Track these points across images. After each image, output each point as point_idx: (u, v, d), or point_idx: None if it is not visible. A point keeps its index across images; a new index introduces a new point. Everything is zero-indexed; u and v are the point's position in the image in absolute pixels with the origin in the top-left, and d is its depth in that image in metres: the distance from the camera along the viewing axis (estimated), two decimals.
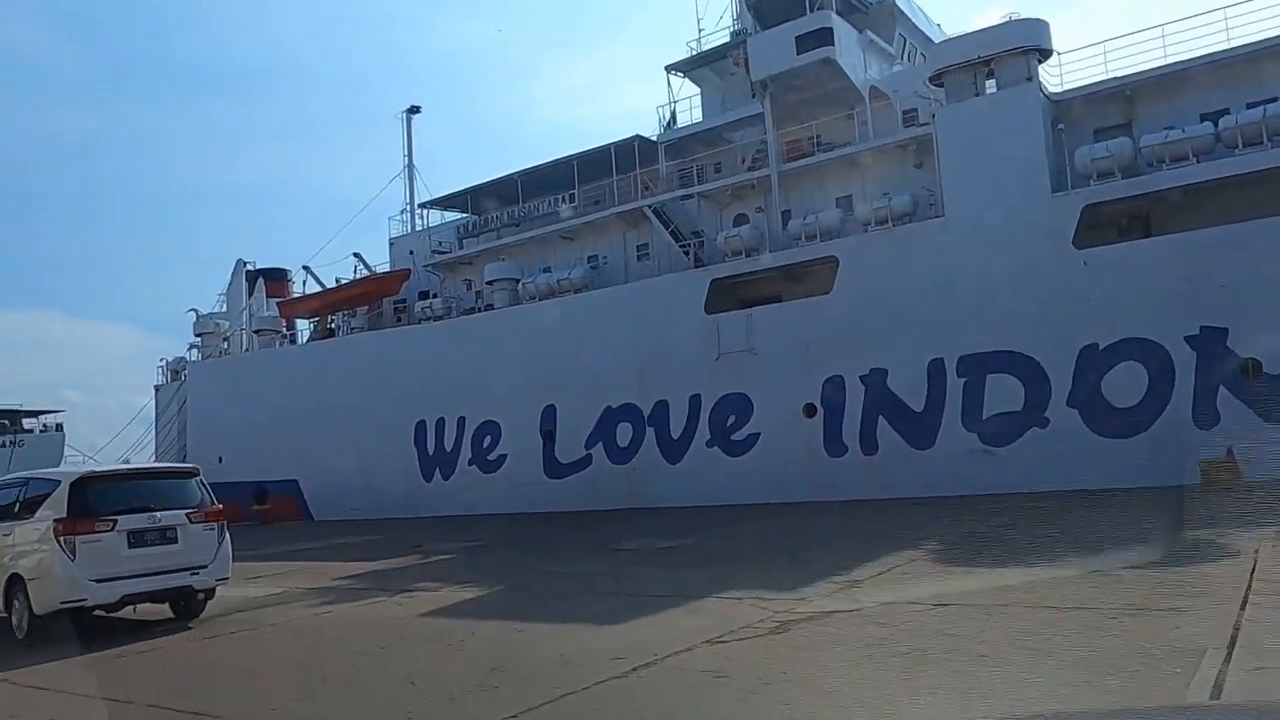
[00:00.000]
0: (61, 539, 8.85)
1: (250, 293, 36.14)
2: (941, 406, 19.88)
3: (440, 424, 27.46)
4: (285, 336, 34.49)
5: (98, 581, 8.90)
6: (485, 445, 26.59)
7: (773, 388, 21.85)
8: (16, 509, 9.85)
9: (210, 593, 10.01)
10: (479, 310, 28.52)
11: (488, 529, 19.32)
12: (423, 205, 31.57)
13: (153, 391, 40.45)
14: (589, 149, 26.83)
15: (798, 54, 22.53)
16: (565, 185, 27.42)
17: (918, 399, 20.14)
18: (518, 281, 27.31)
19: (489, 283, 27.81)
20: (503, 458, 26.22)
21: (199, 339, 36.02)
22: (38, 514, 9.38)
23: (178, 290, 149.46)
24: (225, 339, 35.49)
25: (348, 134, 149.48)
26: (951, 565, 10.44)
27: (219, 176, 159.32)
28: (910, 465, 19.90)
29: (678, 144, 26.28)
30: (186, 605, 9.97)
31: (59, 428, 62.98)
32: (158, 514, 9.39)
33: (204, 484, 10.32)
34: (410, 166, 35.74)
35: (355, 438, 28.67)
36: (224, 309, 36.99)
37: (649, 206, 25.28)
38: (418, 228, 33.65)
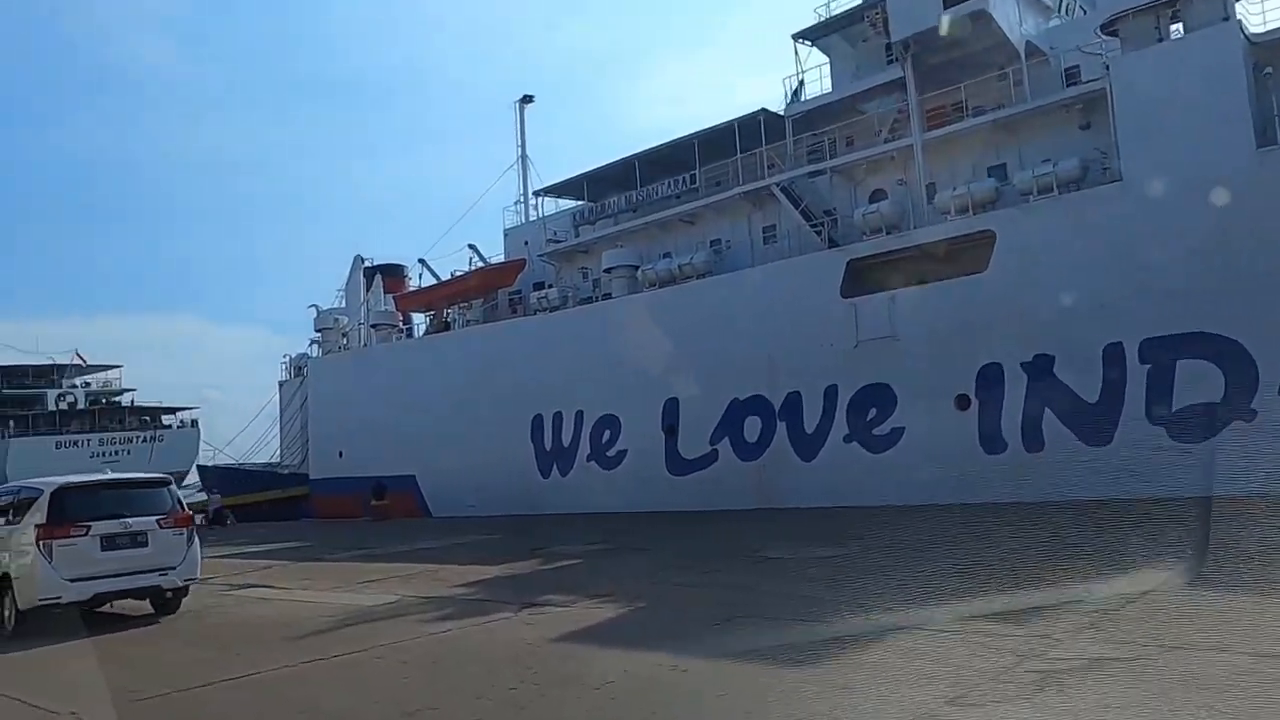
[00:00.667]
0: (40, 543, 9.83)
1: (368, 288, 36.17)
2: (1120, 397, 17.45)
3: (558, 418, 26.45)
4: (401, 330, 34.29)
5: (72, 581, 9.84)
6: (604, 440, 25.41)
7: (919, 377, 19.79)
8: (11, 515, 10.76)
9: (183, 590, 10.80)
10: (596, 300, 27.37)
11: (610, 529, 17.97)
12: (537, 193, 30.72)
13: (277, 387, 41.16)
14: (711, 126, 25.29)
15: (945, 8, 20.35)
16: (686, 166, 25.96)
17: (1091, 389, 17.76)
18: (636, 268, 26.02)
19: (606, 271, 26.62)
20: (623, 453, 24.98)
21: (319, 334, 36.29)
22: (24, 520, 10.33)
23: (303, 293, 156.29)
24: (344, 334, 35.60)
25: (465, 138, 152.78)
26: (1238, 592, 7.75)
27: (343, 183, 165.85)
28: (1083, 464, 17.55)
29: (806, 117, 24.41)
30: (162, 603, 10.84)
31: (194, 424, 65.61)
32: (129, 520, 10.28)
33: (174, 493, 11.24)
34: (523, 157, 35.05)
35: (471, 432, 28.00)
36: (343, 305, 37.18)
37: (776, 185, 23.54)
38: (532, 218, 32.85)
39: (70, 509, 10.19)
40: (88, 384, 65.89)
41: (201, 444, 63.95)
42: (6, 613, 10.25)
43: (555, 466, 26.52)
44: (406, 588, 11.30)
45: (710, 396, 22.97)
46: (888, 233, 21.19)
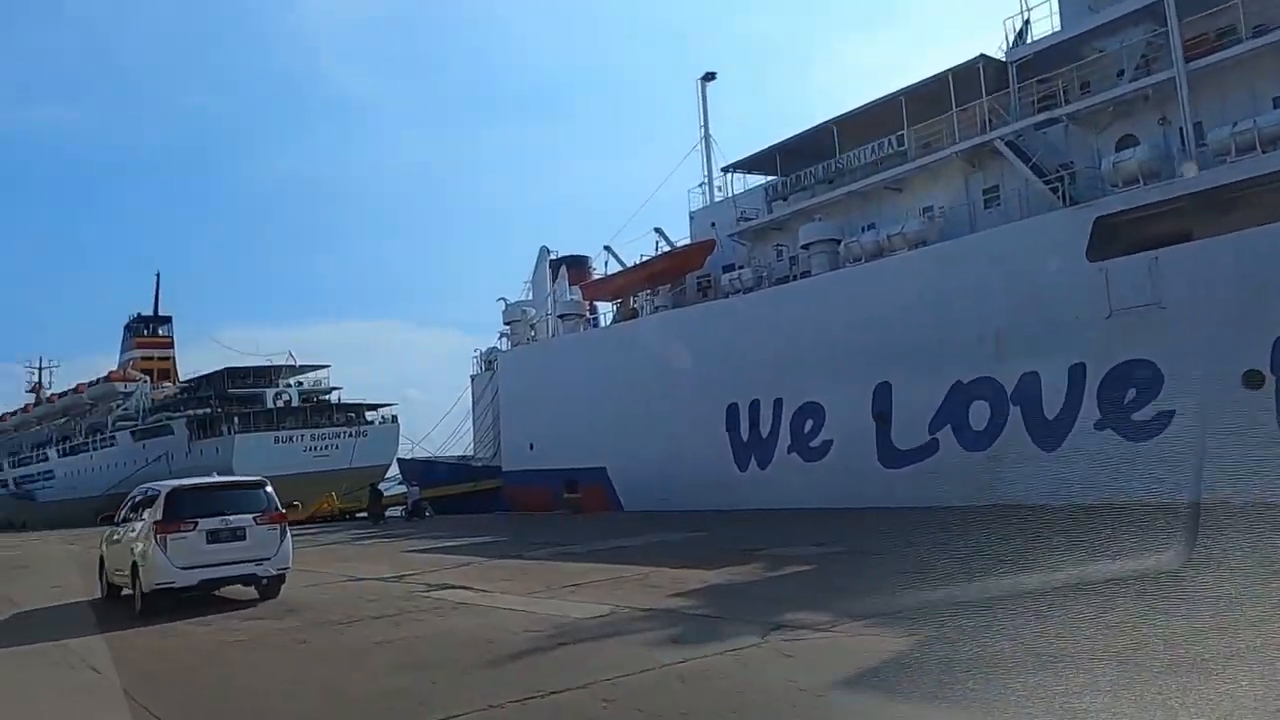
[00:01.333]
0: (157, 536, 11.23)
1: (554, 279, 35.87)
2: None
3: (754, 407, 24.74)
4: (588, 320, 33.68)
5: (183, 569, 11.19)
6: (807, 430, 23.46)
7: (1192, 351, 16.64)
8: (140, 512, 12.28)
9: (280, 578, 11.94)
10: (794, 279, 25.45)
11: (825, 527, 15.96)
12: (725, 169, 29.10)
13: (468, 382, 41.78)
14: (920, 80, 22.77)
15: None
16: (890, 127, 23.55)
17: None
18: (838, 242, 23.90)
19: (804, 247, 24.65)
20: (827, 444, 22.94)
21: (507, 327, 36.34)
22: (146, 517, 11.82)
23: (493, 295, 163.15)
24: (531, 326, 35.45)
25: (647, 131, 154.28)
26: None
27: (532, 189, 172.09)
28: None
29: (1033, 61, 21.42)
30: (263, 588, 11.96)
31: (394, 419, 68.74)
32: (230, 517, 11.58)
33: (269, 493, 12.29)
34: (706, 136, 33.46)
35: (662, 423, 26.81)
36: (530, 297, 37.10)
37: (1001, 139, 20.78)
38: (717, 199, 31.29)
39: (182, 508, 11.67)
40: (300, 383, 70.41)
41: (401, 439, 67.16)
42: (135, 594, 11.82)
43: (753, 458, 24.84)
44: (617, 595, 9.90)
45: (928, 379, 20.56)
46: (1145, 183, 18.06)
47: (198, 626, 9.45)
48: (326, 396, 69.82)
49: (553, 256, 37.97)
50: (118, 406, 72.34)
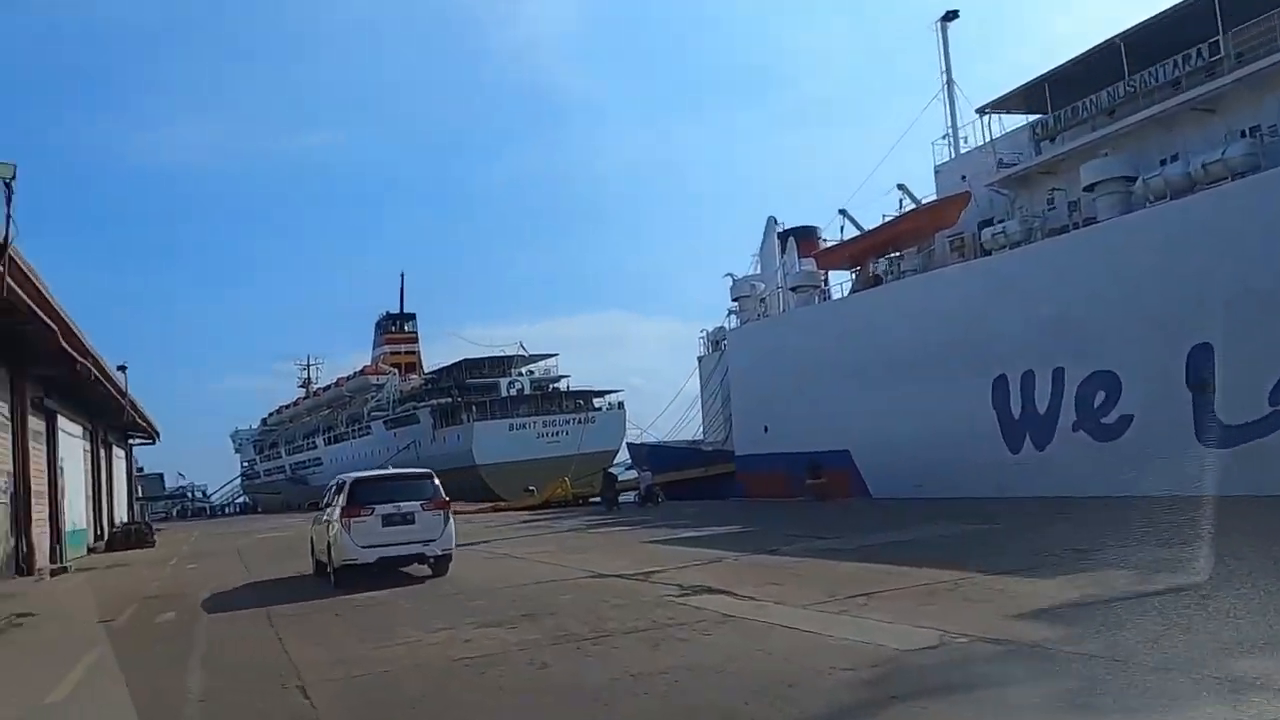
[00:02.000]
0: (343, 520, 12.76)
1: (782, 251, 33.73)
2: None
3: (1027, 378, 21.42)
4: (823, 291, 31.25)
5: (364, 547, 12.60)
6: (1097, 404, 19.90)
7: None
8: (334, 500, 13.78)
9: (448, 557, 13.33)
10: (1073, 228, 21.78)
11: (1167, 521, 12.16)
12: (981, 110, 25.52)
13: (695, 364, 40.52)
14: None
15: None
16: (1193, 37, 19.42)
17: None
18: (1132, 180, 20.08)
19: (1087, 189, 20.94)
20: (1125, 420, 19.30)
21: (735, 304, 34.62)
22: (335, 503, 13.38)
23: (708, 283, 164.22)
24: (762, 300, 33.49)
25: (874, 106, 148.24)
26: None
27: (744, 174, 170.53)
28: None
29: None
30: (433, 565, 13.36)
31: (620, 406, 69.36)
32: (401, 504, 12.95)
33: (435, 484, 13.72)
34: (949, 82, 29.90)
35: (915, 399, 23.98)
36: (758, 271, 35.17)
37: None
38: (964, 149, 27.81)
39: (361, 496, 13.16)
40: (531, 372, 72.69)
41: (627, 424, 67.62)
42: (330, 570, 13.40)
43: (1028, 438, 21.54)
44: (935, 614, 7.43)
45: (1266, 339, 16.58)
46: None
47: (430, 635, 8.27)
48: (556, 385, 71.66)
49: (780, 228, 35.83)
50: (371, 399, 78.18)
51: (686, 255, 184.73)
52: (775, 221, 35.29)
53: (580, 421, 65.58)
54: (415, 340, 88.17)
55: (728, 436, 34.97)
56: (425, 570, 13.47)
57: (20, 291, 14.55)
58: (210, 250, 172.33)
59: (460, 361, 69.38)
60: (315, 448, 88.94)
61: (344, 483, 13.78)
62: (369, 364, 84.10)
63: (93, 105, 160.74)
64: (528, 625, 8.25)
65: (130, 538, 28.81)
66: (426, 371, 77.34)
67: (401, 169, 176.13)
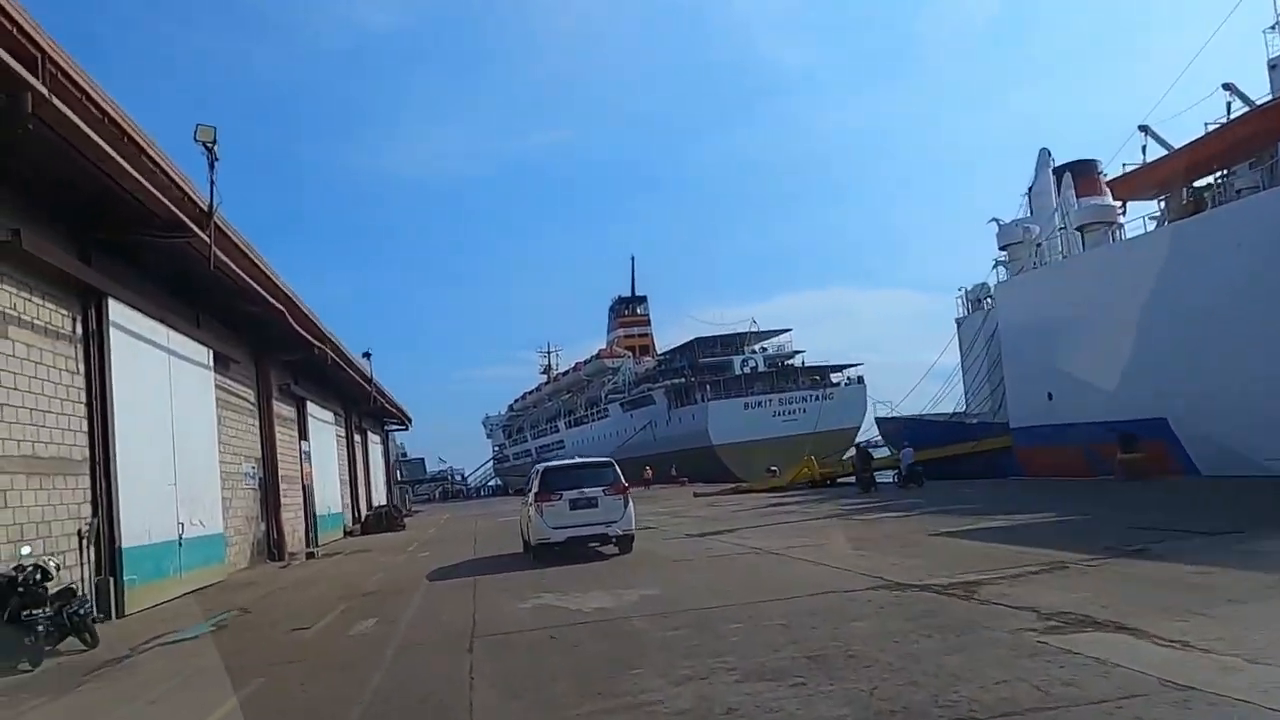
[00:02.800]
0: (536, 505, 14.44)
1: (1058, 189, 28.60)
2: None
3: None
4: (1119, 227, 25.96)
5: (555, 528, 14.13)
6: None
7: None
8: (531, 486, 15.31)
9: (630, 536, 14.39)
10: None
11: None
12: None
13: (953, 327, 35.80)
14: None
15: None
16: None
17: None
18: None
19: None
20: None
21: (1003, 253, 29.87)
22: (532, 489, 15.09)
23: (947, 252, 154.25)
24: (1037, 245, 28.54)
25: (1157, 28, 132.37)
26: None
27: (991, 136, 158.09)
28: None
29: None
30: (617, 543, 14.39)
31: (859, 380, 64.90)
32: (586, 490, 14.40)
33: (616, 471, 15.09)
34: None
35: (1262, 354, 18.79)
36: (1028, 214, 30.15)
37: None
38: None
39: (552, 483, 14.49)
40: (764, 349, 69.79)
41: (869, 400, 63.11)
42: (526, 549, 15.12)
43: None
44: None
45: None
46: None
47: (673, 691, 5.42)
48: (790, 361, 68.27)
49: (1053, 165, 30.54)
50: (608, 381, 78.64)
51: (922, 225, 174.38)
52: (1049, 155, 30.05)
53: (818, 398, 62.02)
54: (647, 323, 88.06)
55: (999, 407, 30.38)
56: (649, 574, 11.47)
57: (232, 264, 13.91)
58: (455, 250, 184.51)
59: (692, 341, 67.88)
60: (557, 431, 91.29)
61: (538, 472, 15.45)
62: (604, 347, 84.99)
63: (352, 123, 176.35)
64: (819, 680, 5.32)
65: (381, 521, 29.29)
66: (659, 352, 76.65)
67: (627, 158, 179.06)
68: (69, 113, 8.62)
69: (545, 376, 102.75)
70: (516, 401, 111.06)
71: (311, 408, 26.10)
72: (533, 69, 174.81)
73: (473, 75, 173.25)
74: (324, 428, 28.12)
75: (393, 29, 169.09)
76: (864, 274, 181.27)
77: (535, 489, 14.60)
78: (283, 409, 22.93)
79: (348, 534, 28.74)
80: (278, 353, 21.35)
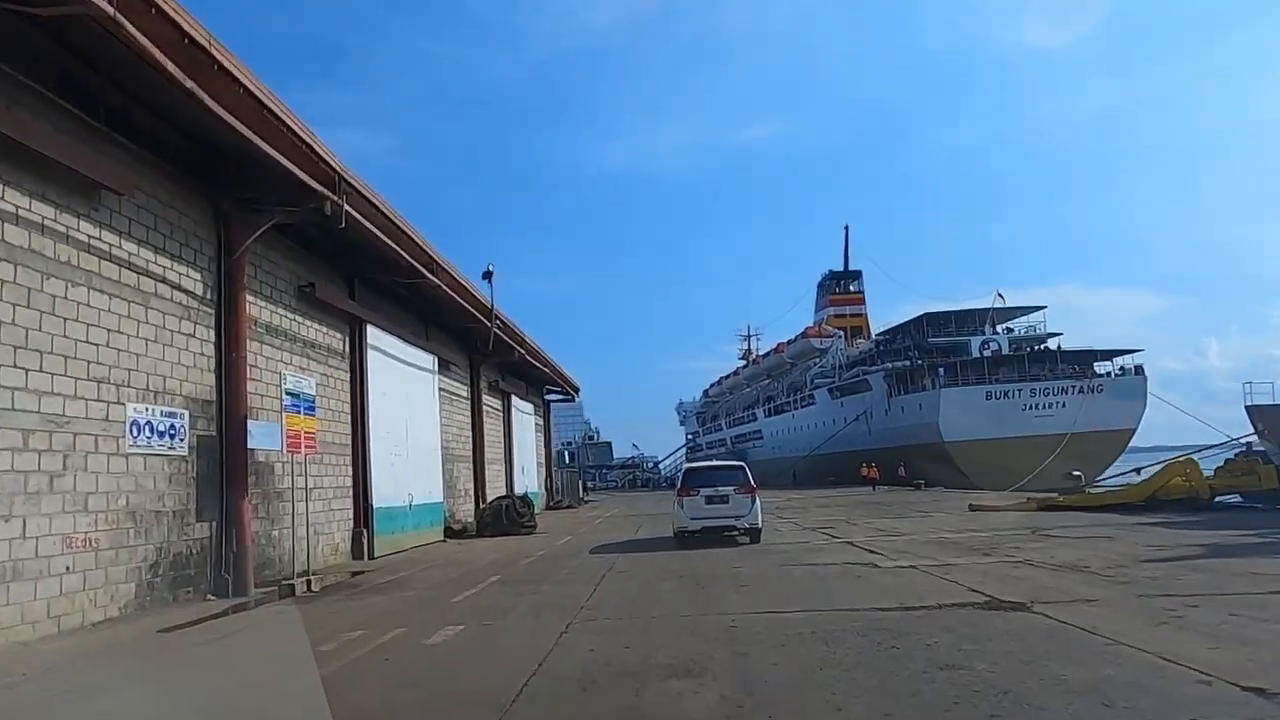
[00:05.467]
0: (679, 498, 17.45)
1: None
2: None
3: None
4: None
5: (692, 519, 16.81)
6: None
7: None
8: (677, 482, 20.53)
9: (757, 530, 16.83)
10: None
11: None
12: None
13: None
14: None
15: None
16: None
17: None
18: None
19: None
20: None
21: None
22: (677, 485, 19.36)
23: (1192, 247, 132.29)
24: None
25: None
26: None
27: (1239, 118, 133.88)
28: None
29: None
30: (745, 534, 16.83)
31: (1138, 371, 51.92)
32: (720, 487, 17.04)
33: (746, 472, 17.62)
34: None
35: None
36: None
37: None
38: None
39: (691, 481, 17.91)
40: (1009, 329, 58.03)
41: (1147, 395, 50.26)
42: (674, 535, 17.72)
43: None
44: None
45: None
46: None
47: None
48: (1043, 344, 56.13)
49: None
50: (814, 364, 69.26)
51: (1162, 218, 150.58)
52: None
53: (1082, 391, 49.92)
54: (861, 301, 77.35)
55: None
56: None
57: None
58: (662, 244, 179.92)
59: (921, 317, 57.25)
60: (754, 419, 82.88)
61: (681, 471, 22.00)
62: (811, 327, 75.21)
63: (568, 122, 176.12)
64: None
65: (502, 519, 21.97)
66: (876, 333, 65.99)
67: (836, 150, 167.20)
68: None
69: (744, 361, 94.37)
70: (712, 387, 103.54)
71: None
72: (748, 65, 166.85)
73: (688, 75, 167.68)
74: (410, 374, 20.75)
75: (614, 24, 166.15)
76: (1090, 272, 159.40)
77: (678, 485, 18.52)
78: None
79: (449, 533, 21.26)
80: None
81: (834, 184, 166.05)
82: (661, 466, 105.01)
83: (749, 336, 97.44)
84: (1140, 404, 50.68)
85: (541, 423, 36.42)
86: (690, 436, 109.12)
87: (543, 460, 35.88)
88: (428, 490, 20.15)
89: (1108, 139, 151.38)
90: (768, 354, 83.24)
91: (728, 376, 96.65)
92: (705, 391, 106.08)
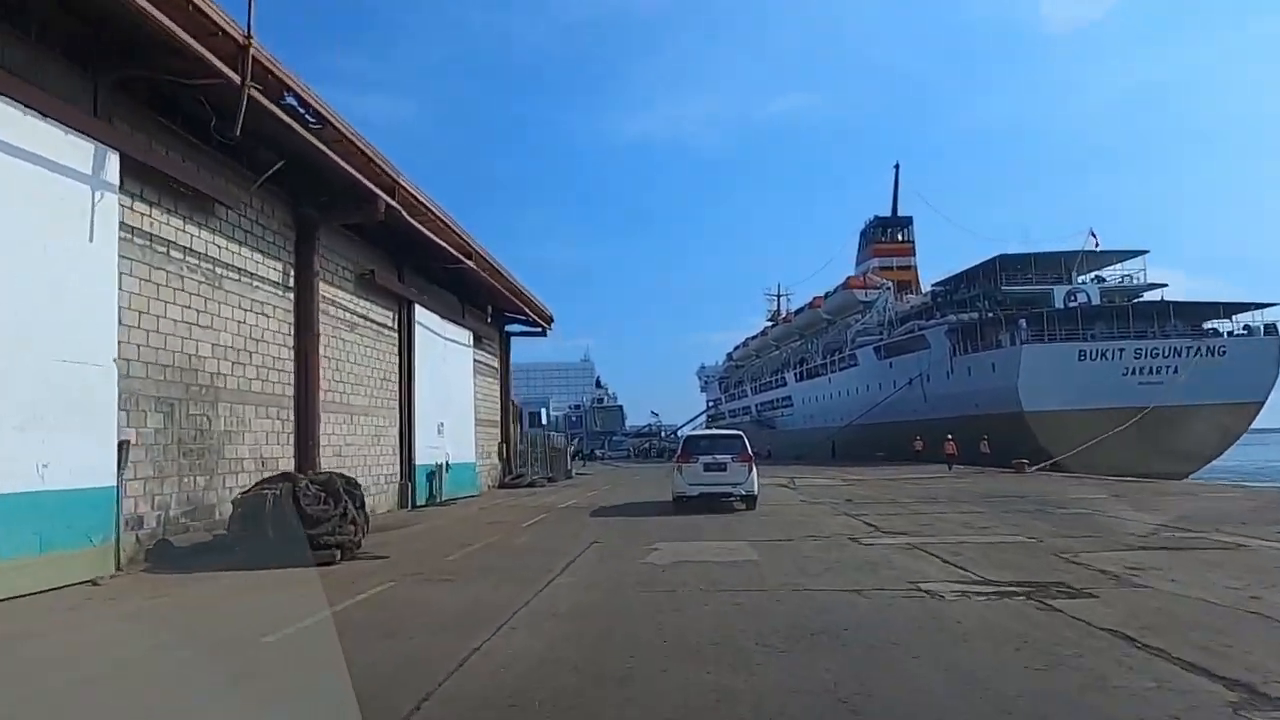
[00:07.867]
0: (677, 465, 18.09)
1: None
2: None
3: None
4: None
5: (690, 485, 17.42)
6: None
7: None
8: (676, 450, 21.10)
9: (753, 497, 17.33)
10: None
11: None
12: None
13: None
14: None
15: None
16: None
17: None
18: None
19: None
20: None
21: None
22: (676, 452, 20.22)
23: (1226, 229, 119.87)
24: None
25: None
26: None
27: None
28: None
29: None
30: (741, 500, 17.44)
31: (1270, 330, 41.38)
32: (718, 456, 17.70)
33: (744, 441, 18.18)
34: None
35: None
36: None
37: None
38: None
39: (690, 448, 18.45)
40: (1100, 279, 47.58)
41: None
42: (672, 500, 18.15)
43: None
44: None
45: None
46: None
47: None
48: (1141, 297, 45.72)
49: None
50: (857, 320, 59.17)
51: (1201, 199, 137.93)
52: None
53: (1198, 351, 39.68)
54: (911, 252, 66.56)
55: None
56: None
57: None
58: (687, 218, 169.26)
59: (994, 259, 46.73)
60: (784, 384, 72.91)
61: (681, 439, 23.76)
62: (854, 276, 64.64)
63: (594, 92, 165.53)
64: None
65: (265, 527, 10.24)
66: (934, 283, 55.30)
67: (868, 123, 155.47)
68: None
69: (772, 322, 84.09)
70: (736, 350, 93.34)
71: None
72: (779, 36, 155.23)
73: (720, 47, 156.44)
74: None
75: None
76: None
77: (677, 451, 19.74)
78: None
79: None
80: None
81: (864, 155, 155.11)
82: (680, 434, 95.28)
83: (778, 296, 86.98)
84: (1272, 371, 40.40)
85: (495, 363, 26.60)
86: (711, 404, 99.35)
87: (496, 416, 26.20)
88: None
89: (1148, 112, 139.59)
90: (800, 310, 72.97)
91: (754, 337, 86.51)
92: (729, 355, 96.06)
